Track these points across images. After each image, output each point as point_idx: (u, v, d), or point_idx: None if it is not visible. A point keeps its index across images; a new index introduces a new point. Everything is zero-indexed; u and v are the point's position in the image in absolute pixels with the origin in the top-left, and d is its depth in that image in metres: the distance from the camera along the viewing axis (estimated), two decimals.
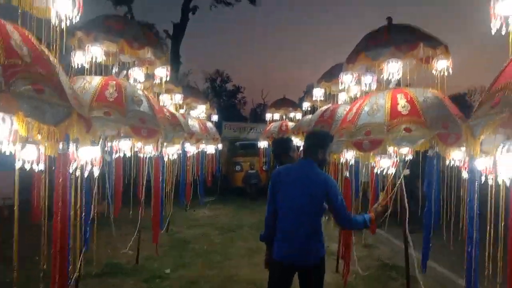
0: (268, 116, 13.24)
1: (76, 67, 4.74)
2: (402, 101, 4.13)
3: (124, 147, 4.32)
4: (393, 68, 4.19)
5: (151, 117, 4.53)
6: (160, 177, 5.36)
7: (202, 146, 10.45)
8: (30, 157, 2.57)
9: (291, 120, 12.90)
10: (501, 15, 2.41)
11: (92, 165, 3.02)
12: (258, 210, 11.36)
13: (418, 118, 3.98)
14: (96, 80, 4.46)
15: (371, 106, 4.28)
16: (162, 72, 5.08)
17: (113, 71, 4.94)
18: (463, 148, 4.06)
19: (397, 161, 4.06)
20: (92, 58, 4.50)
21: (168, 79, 5.17)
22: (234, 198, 14.23)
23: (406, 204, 4.38)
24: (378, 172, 4.10)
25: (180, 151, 8.22)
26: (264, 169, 15.00)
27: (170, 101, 8.39)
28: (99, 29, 4.40)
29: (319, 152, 3.39)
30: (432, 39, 4.22)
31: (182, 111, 10.67)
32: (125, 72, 5.00)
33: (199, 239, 8.63)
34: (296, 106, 12.75)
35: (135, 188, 6.96)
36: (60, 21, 2.62)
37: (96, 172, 3.18)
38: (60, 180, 2.29)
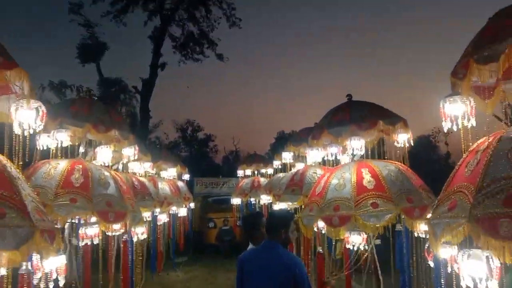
0: (240, 172, 13.32)
1: (41, 148, 4.68)
2: (367, 176, 4.25)
3: (91, 233, 4.19)
4: (356, 145, 4.34)
5: (118, 199, 4.45)
6: (130, 258, 5.18)
7: (174, 209, 10.28)
8: None
9: (262, 175, 13.01)
10: (451, 115, 2.58)
11: (58, 274, 2.90)
12: (233, 269, 10.97)
13: (383, 193, 4.09)
14: (61, 165, 4.39)
15: (338, 180, 4.37)
16: (130, 152, 5.07)
17: (80, 151, 4.89)
18: None
19: (367, 237, 4.11)
20: (58, 143, 4.45)
21: (136, 157, 5.14)
22: (208, 256, 13.86)
23: (380, 276, 4.41)
24: (350, 247, 4.13)
25: (150, 219, 8.06)
26: (238, 225, 14.82)
27: (139, 167, 8.34)
28: (65, 115, 4.39)
29: (282, 232, 3.44)
30: (390, 116, 4.43)
31: (152, 171, 10.59)
32: (91, 153, 4.95)
33: None
34: (267, 161, 12.91)
35: (105, 259, 6.73)
36: (23, 130, 2.61)
37: (62, 281, 3.05)
38: None
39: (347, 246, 4.13)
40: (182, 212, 11.28)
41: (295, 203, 6.91)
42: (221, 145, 44.35)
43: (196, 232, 15.78)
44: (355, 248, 4.10)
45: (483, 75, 2.34)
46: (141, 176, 9.23)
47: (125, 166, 7.79)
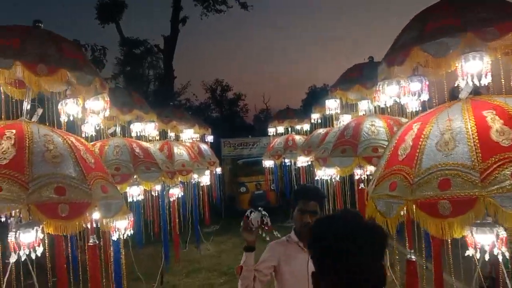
0: (271, 130, 11.50)
1: None
2: (496, 123, 2.33)
3: (29, 240, 2.53)
4: (475, 68, 2.38)
5: (77, 181, 2.76)
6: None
7: (195, 176, 8.65)
8: None
9: (297, 132, 11.19)
10: None
11: None
12: (270, 238, 9.56)
13: None
14: None
15: (441, 133, 2.46)
16: (98, 105, 3.27)
17: (24, 108, 3.21)
18: None
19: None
20: None
21: (107, 112, 3.34)
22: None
23: None
24: (472, 253, 2.29)
25: (159, 195, 6.53)
26: (272, 188, 13.45)
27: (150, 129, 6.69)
28: None
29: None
30: None
31: (171, 134, 9.01)
32: (40, 110, 3.24)
33: None
34: (302, 116, 11.01)
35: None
36: None
37: None
38: None
39: (468, 252, 2.28)
40: (205, 179, 9.66)
41: (347, 167, 5.09)
42: (251, 103, 42.40)
43: (227, 197, 14.57)
44: (483, 255, 2.25)
45: None
46: (155, 141, 7.70)
47: (126, 129, 6.20)
